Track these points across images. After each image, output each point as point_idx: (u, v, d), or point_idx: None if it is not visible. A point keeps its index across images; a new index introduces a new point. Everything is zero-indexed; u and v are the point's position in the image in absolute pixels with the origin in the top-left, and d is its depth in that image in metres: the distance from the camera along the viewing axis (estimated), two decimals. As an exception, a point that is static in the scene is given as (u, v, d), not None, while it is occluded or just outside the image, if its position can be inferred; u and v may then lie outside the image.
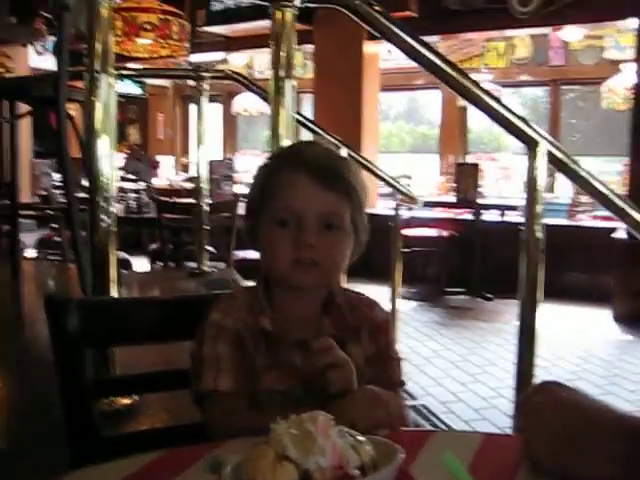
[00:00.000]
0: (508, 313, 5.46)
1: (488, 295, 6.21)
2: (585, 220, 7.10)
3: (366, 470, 0.71)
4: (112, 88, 2.19)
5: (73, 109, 3.50)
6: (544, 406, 0.83)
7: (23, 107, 3.93)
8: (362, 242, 1.15)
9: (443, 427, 2.97)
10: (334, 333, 1.08)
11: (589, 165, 2.05)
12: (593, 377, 4.07)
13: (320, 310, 1.12)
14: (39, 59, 8.45)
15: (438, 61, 1.94)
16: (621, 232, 5.41)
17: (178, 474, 0.82)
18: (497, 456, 0.88)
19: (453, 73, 1.94)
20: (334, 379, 0.98)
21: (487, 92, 1.94)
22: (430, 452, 0.87)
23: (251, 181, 1.16)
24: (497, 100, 1.92)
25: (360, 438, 0.75)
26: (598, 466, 0.78)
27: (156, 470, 0.84)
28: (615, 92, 7.98)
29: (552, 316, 4.34)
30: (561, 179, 8.48)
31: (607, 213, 2.20)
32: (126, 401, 2.10)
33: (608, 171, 9.07)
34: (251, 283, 1.18)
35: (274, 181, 1.09)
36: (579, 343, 4.85)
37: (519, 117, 1.92)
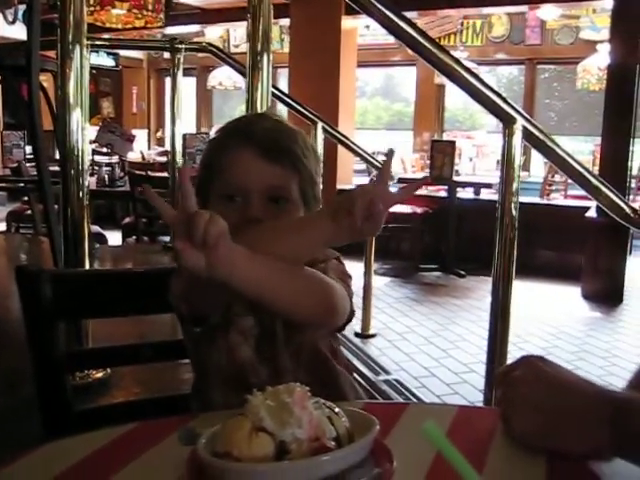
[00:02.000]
0: (481, 290, 5.52)
1: (461, 272, 6.26)
2: (558, 199, 7.18)
3: (342, 442, 0.72)
4: (85, 59, 2.15)
5: (45, 80, 3.44)
6: (526, 379, 0.84)
7: (-7, 77, 3.84)
8: (313, 208, 1.12)
9: (416, 401, 3.00)
10: None
11: (562, 144, 2.06)
12: (562, 353, 4.14)
13: None
14: (10, 28, 8.26)
15: (418, 36, 1.93)
16: (593, 211, 5.48)
17: (152, 446, 0.82)
18: (471, 428, 0.89)
19: (432, 48, 1.94)
20: None
21: (466, 68, 1.94)
22: (405, 424, 0.88)
23: (202, 156, 1.16)
24: (476, 76, 1.92)
25: (336, 410, 0.75)
26: (583, 437, 0.79)
27: (130, 442, 0.84)
28: (590, 72, 8.04)
29: (523, 293, 4.39)
30: (535, 158, 8.56)
31: (580, 192, 2.22)
32: (99, 374, 2.10)
33: (581, 150, 9.17)
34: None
35: (221, 157, 1.08)
36: (549, 320, 4.92)
37: (497, 94, 1.92)
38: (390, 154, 0.99)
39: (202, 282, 0.86)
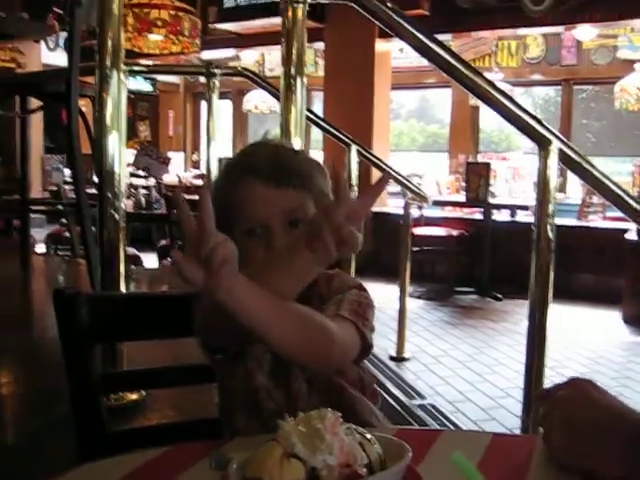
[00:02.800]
0: (517, 313, 5.44)
1: (497, 295, 6.19)
2: (596, 221, 7.06)
3: (374, 469, 0.71)
4: (123, 84, 2.19)
5: (84, 105, 3.51)
6: (571, 399, 0.83)
7: (34, 102, 3.94)
8: None
9: (451, 427, 2.95)
10: None
11: (600, 165, 2.03)
12: (602, 378, 4.05)
13: None
14: (51, 55, 8.47)
15: (451, 59, 1.93)
16: (632, 233, 5.38)
17: (184, 470, 0.82)
18: (506, 456, 0.87)
19: (466, 71, 1.93)
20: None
21: (500, 90, 1.93)
22: (438, 452, 0.86)
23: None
24: (510, 99, 1.91)
25: (368, 436, 0.74)
26: (617, 464, 0.77)
27: (162, 466, 0.84)
28: (628, 92, 7.93)
29: (561, 317, 4.32)
30: (572, 179, 8.45)
31: (618, 214, 2.18)
32: (134, 396, 2.11)
33: (619, 171, 9.03)
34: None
35: (231, 196, 1.07)
36: (588, 344, 4.82)
37: (532, 116, 1.90)
38: (384, 179, 0.95)
39: (215, 312, 0.85)
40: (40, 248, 6.42)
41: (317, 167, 1.12)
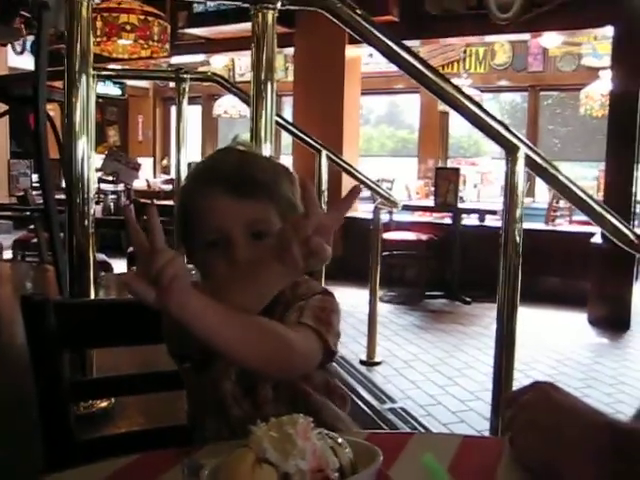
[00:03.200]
0: (486, 316, 5.50)
1: (467, 299, 6.25)
2: (563, 225, 7.17)
3: (345, 473, 0.71)
4: (91, 89, 2.17)
5: (52, 109, 3.47)
6: (534, 404, 0.83)
7: (0, 107, 3.88)
8: None
9: (422, 430, 2.97)
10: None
11: (566, 170, 2.06)
12: (569, 380, 4.10)
13: None
14: (18, 58, 8.38)
15: (419, 65, 1.95)
16: (597, 237, 5.47)
17: (155, 478, 0.81)
18: (476, 458, 0.89)
19: (434, 77, 1.95)
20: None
21: (468, 97, 1.95)
22: (409, 455, 0.87)
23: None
24: (478, 105, 1.94)
25: (339, 440, 0.74)
26: (583, 468, 0.78)
27: (133, 474, 0.84)
28: (592, 98, 8.08)
29: (529, 320, 4.37)
30: (539, 184, 8.57)
31: (584, 218, 2.22)
32: (103, 404, 2.09)
33: (585, 176, 9.18)
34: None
35: (193, 205, 1.06)
36: (555, 346, 4.89)
37: (499, 122, 1.93)
38: (355, 190, 0.93)
39: (175, 323, 0.85)
40: (7, 254, 6.32)
41: (285, 174, 1.10)
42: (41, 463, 1.10)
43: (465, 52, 9.86)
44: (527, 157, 1.92)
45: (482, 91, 8.96)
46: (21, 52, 7.90)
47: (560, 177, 2.01)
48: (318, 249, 0.84)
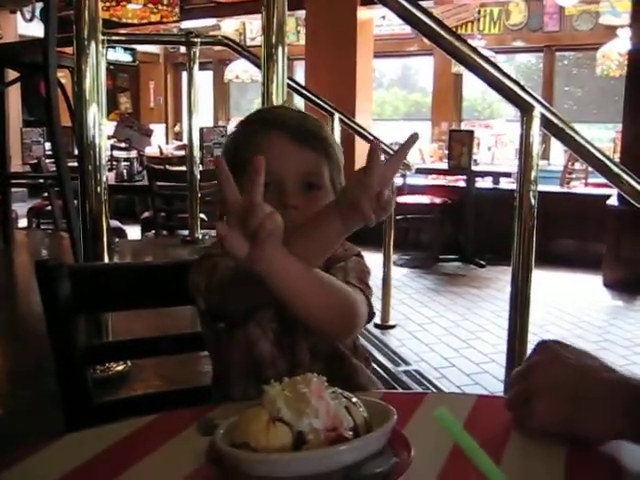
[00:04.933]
0: (501, 280, 5.48)
1: (481, 262, 6.23)
2: (578, 187, 7.10)
3: (359, 432, 0.72)
4: (101, 55, 2.16)
5: (63, 76, 3.46)
6: (545, 364, 0.83)
7: (11, 74, 3.88)
8: None
9: (435, 391, 2.99)
10: None
11: (582, 132, 2.03)
12: (584, 342, 4.10)
13: None
14: (27, 26, 8.31)
15: (435, 26, 1.92)
16: (614, 199, 5.42)
17: (171, 437, 0.82)
18: (490, 417, 0.89)
19: (449, 38, 1.92)
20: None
21: (483, 56, 1.92)
22: (423, 414, 0.87)
23: (223, 147, 1.14)
24: (493, 64, 1.90)
25: (354, 400, 0.75)
26: (601, 425, 0.78)
27: (149, 433, 0.84)
28: (610, 58, 7.93)
29: (543, 283, 4.36)
30: (554, 146, 8.48)
31: (600, 180, 2.20)
32: (119, 367, 2.11)
33: (601, 138, 9.06)
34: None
35: (249, 145, 1.06)
36: (570, 309, 4.88)
37: (514, 81, 1.90)
38: (412, 138, 0.90)
39: (242, 280, 0.86)
40: (22, 222, 6.37)
41: (335, 140, 1.13)
42: (61, 427, 1.12)
43: (479, 12, 9.69)
44: (543, 117, 1.89)
45: (496, 52, 8.80)
46: (30, 19, 7.84)
47: (577, 137, 1.99)
48: (387, 202, 0.84)
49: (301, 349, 1.05)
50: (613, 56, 7.88)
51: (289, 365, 1.04)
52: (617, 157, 5.83)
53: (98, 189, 2.17)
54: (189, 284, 1.02)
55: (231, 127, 8.84)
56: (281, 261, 0.83)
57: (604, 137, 9.18)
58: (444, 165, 7.09)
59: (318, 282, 0.91)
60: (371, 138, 4.10)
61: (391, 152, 4.11)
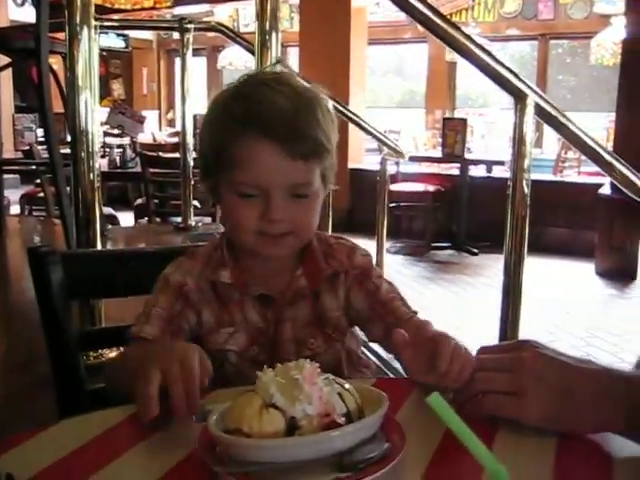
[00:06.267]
0: (493, 268, 5.50)
1: (474, 250, 6.25)
2: (571, 176, 7.12)
3: (352, 417, 0.72)
4: (94, 40, 2.14)
5: (55, 62, 3.43)
6: (534, 360, 0.83)
7: (3, 60, 3.84)
8: (329, 187, 1.06)
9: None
10: (306, 285, 1.05)
11: (575, 121, 2.03)
12: (576, 330, 4.13)
13: (292, 262, 1.06)
14: (19, 11, 8.25)
15: (429, 12, 1.91)
16: (606, 188, 5.43)
17: (165, 424, 0.82)
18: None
19: (444, 25, 1.91)
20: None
21: (477, 44, 1.91)
22: (415, 400, 0.88)
23: (202, 130, 1.04)
24: (487, 52, 1.90)
25: (347, 386, 0.75)
26: (597, 418, 0.79)
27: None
28: (604, 47, 7.93)
29: (536, 271, 4.37)
30: (547, 135, 8.48)
31: (593, 169, 2.21)
32: (112, 354, 2.11)
33: (593, 127, 9.07)
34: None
35: (232, 149, 0.96)
36: (562, 297, 4.90)
37: (507, 69, 1.90)
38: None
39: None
40: (15, 209, 6.34)
41: (331, 117, 1.02)
42: (54, 411, 1.12)
43: (474, 0, 9.66)
44: (536, 105, 1.89)
45: (491, 41, 8.78)
46: (22, 4, 7.79)
47: (570, 126, 1.99)
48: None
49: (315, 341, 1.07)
50: (607, 45, 7.88)
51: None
52: (610, 146, 5.84)
53: (91, 176, 2.16)
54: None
55: (212, 104, 8.75)
56: None
57: (598, 126, 9.19)
58: (438, 153, 7.09)
59: None
60: (366, 125, 4.08)
61: (385, 141, 4.10)
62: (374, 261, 1.14)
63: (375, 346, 3.34)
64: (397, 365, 2.98)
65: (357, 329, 1.14)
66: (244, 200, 0.98)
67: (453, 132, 6.38)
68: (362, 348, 1.17)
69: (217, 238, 1.10)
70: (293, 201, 0.98)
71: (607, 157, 2.06)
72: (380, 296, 1.08)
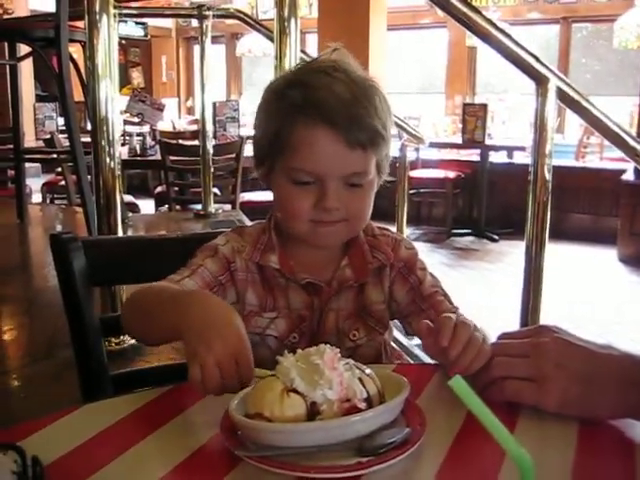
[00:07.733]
0: (514, 254, 5.46)
1: (494, 236, 6.21)
2: (593, 161, 7.04)
3: (373, 402, 0.72)
4: (113, 29, 2.15)
5: (75, 51, 3.45)
6: (555, 346, 0.82)
7: (23, 49, 3.87)
8: (383, 177, 1.06)
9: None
10: (352, 276, 1.04)
11: (598, 105, 2.00)
12: (598, 317, 4.10)
13: (338, 251, 1.06)
14: (38, 0, 8.30)
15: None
16: (629, 173, 5.37)
17: (186, 408, 0.83)
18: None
19: (464, 9, 1.89)
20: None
21: (498, 28, 1.89)
22: (436, 385, 0.88)
23: (257, 117, 1.03)
24: (508, 36, 1.88)
25: (367, 371, 0.75)
26: (619, 402, 0.78)
27: (165, 404, 0.85)
28: (628, 30, 7.79)
29: (557, 257, 4.34)
30: (569, 120, 8.38)
31: (615, 154, 2.18)
32: (133, 340, 2.13)
33: (618, 111, 8.94)
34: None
35: (289, 134, 0.95)
36: (584, 284, 4.87)
37: (529, 53, 1.87)
38: None
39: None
40: (36, 197, 6.40)
41: (387, 104, 1.02)
42: (77, 396, 1.13)
43: (494, -17, 9.54)
44: (558, 89, 1.86)
45: (511, 25, 8.66)
46: (42, -7, 7.81)
47: (593, 110, 1.96)
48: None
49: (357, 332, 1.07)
50: (631, 28, 7.75)
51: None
52: (634, 130, 5.77)
53: (111, 164, 2.18)
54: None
55: (243, 102, 8.80)
56: None
57: (621, 110, 9.06)
58: (458, 139, 7.04)
59: None
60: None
61: (405, 126, 4.07)
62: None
63: (396, 332, 3.33)
64: (417, 352, 2.98)
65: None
66: (299, 187, 0.97)
67: (473, 118, 6.33)
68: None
69: (264, 222, 1.09)
70: (348, 190, 0.97)
71: (631, 142, 2.03)
72: (422, 290, 1.08)
